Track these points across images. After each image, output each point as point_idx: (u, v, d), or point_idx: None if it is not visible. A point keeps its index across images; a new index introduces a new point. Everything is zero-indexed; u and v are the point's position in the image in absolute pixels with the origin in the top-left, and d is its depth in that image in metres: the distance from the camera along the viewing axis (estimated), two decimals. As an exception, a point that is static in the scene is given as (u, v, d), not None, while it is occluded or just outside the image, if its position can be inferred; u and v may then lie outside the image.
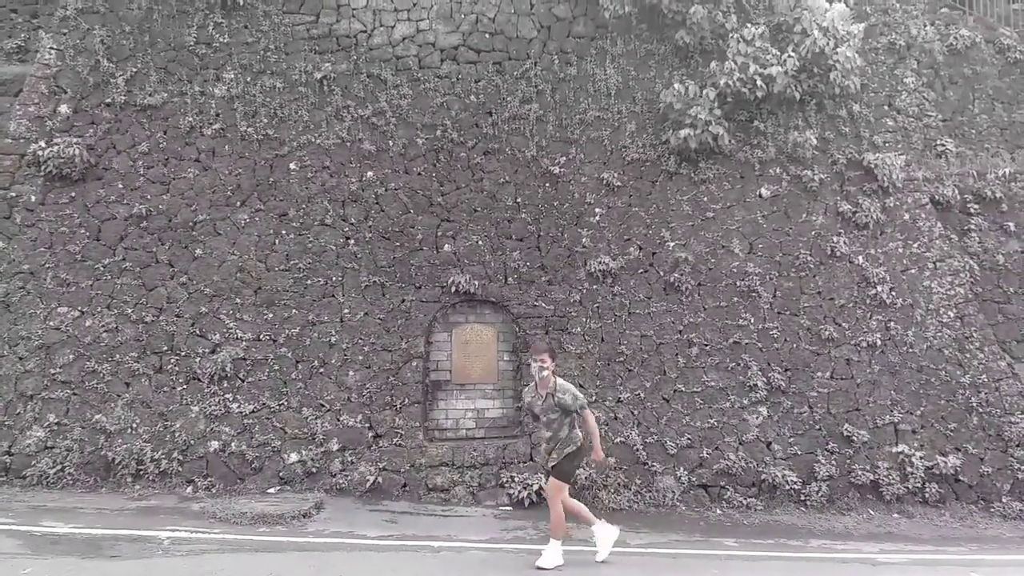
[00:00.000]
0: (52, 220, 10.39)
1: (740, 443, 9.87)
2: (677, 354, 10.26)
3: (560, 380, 7.05)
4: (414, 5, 11.48)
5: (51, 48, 11.04)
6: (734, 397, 10.08)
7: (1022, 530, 9.10)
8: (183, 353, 9.96)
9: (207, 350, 9.98)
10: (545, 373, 6.86)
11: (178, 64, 11.12)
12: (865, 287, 10.50)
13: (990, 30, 12.35)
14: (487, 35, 11.46)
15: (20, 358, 9.81)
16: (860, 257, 10.62)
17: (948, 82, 11.99)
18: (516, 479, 9.41)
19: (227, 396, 9.78)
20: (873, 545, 8.40)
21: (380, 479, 9.51)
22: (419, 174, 10.90)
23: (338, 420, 9.79)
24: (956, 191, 11.17)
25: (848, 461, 9.79)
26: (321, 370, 10.03)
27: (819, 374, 10.20)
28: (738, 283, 10.52)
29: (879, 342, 10.25)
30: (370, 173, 10.85)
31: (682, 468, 9.71)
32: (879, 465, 9.72)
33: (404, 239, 10.62)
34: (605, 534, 7.09)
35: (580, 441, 6.91)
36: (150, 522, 7.89)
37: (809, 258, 10.64)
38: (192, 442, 9.54)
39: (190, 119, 10.87)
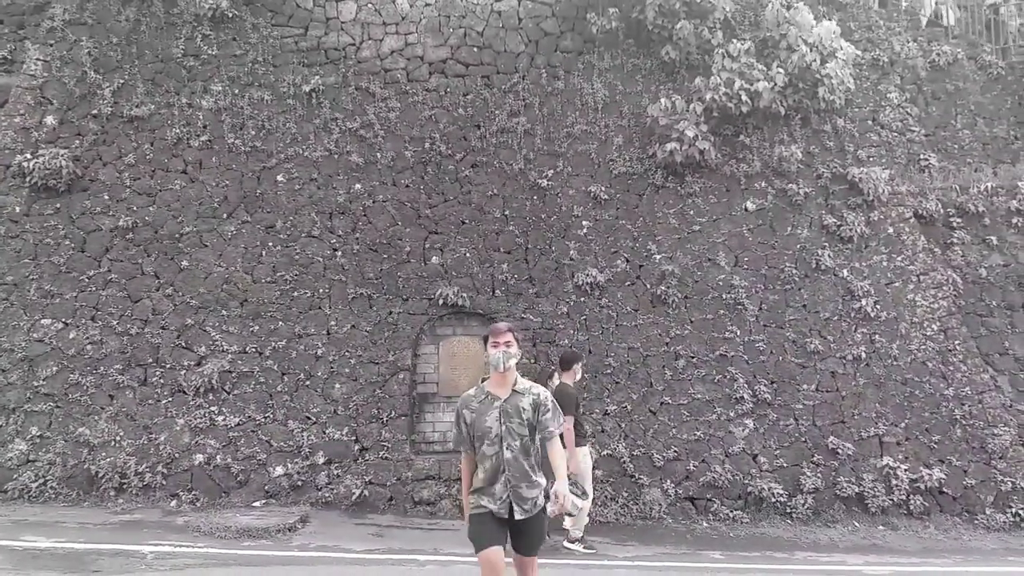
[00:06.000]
0: (37, 231, 10.34)
1: (726, 455, 9.89)
2: (664, 366, 10.29)
3: (524, 379, 4.81)
4: (403, 19, 11.53)
5: (37, 59, 11.02)
6: (720, 409, 10.11)
7: (1005, 542, 9.14)
8: (168, 365, 9.91)
9: (192, 362, 9.94)
10: (512, 362, 4.60)
11: (165, 76, 11.11)
12: (850, 300, 10.57)
13: (972, 46, 12.53)
14: (475, 49, 11.51)
15: (3, 370, 9.74)
16: (845, 270, 10.70)
17: (931, 97, 12.12)
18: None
19: (212, 409, 9.74)
20: (858, 557, 8.44)
21: (366, 492, 9.48)
22: (407, 186, 10.92)
23: (324, 433, 9.76)
24: (939, 205, 11.28)
25: (833, 473, 9.83)
26: (307, 383, 10.00)
27: (805, 387, 10.24)
28: (724, 296, 10.58)
29: (864, 355, 10.31)
30: (358, 185, 10.86)
31: (669, 481, 9.73)
32: (864, 477, 9.76)
33: (391, 251, 10.62)
34: None
35: (546, 490, 4.63)
36: (133, 536, 7.85)
37: (794, 271, 10.72)
38: (177, 455, 9.49)
39: (177, 131, 10.86)
